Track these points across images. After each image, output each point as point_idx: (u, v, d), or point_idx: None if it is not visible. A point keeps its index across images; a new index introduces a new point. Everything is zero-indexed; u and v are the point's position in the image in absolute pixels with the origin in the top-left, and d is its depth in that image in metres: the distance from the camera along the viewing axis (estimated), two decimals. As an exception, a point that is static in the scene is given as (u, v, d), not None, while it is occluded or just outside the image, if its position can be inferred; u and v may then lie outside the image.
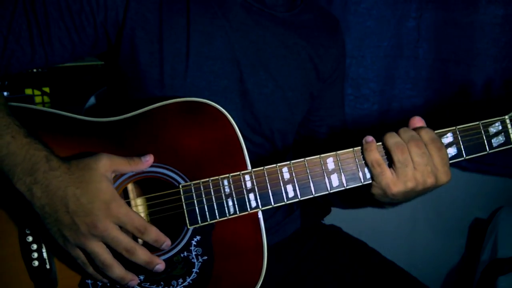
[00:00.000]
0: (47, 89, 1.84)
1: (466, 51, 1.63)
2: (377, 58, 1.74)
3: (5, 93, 1.75)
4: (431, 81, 1.71)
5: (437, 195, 1.86)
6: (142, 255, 0.78)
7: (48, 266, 0.83)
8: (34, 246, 0.83)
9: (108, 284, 0.84)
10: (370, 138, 0.83)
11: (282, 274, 1.10)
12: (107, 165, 0.78)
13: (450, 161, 0.84)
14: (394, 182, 0.82)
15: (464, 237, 1.88)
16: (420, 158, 0.80)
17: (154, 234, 0.79)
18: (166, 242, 0.81)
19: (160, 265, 0.80)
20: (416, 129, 0.83)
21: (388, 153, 0.82)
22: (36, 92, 1.82)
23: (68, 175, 0.75)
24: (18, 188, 0.74)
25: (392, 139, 0.82)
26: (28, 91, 1.80)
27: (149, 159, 0.82)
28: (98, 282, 0.84)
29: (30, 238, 0.84)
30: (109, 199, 0.75)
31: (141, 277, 0.84)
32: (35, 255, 0.83)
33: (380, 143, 0.83)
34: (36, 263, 0.83)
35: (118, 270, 0.78)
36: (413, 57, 1.71)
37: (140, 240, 0.89)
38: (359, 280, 1.05)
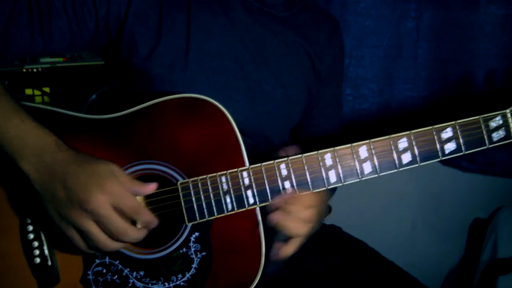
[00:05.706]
0: (47, 89, 1.83)
1: (466, 51, 1.63)
2: (376, 58, 1.74)
3: (5, 93, 1.74)
4: (431, 81, 1.71)
5: (437, 195, 1.87)
6: (134, 236, 0.78)
7: (49, 263, 0.84)
8: (36, 244, 0.84)
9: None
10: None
11: (282, 274, 1.10)
12: (114, 167, 0.78)
13: (449, 156, 0.84)
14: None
15: (464, 237, 1.88)
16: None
17: (147, 215, 0.79)
18: (154, 223, 0.81)
19: None
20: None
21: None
22: (36, 92, 1.81)
23: (73, 156, 0.77)
24: (23, 167, 0.75)
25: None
26: (28, 91, 1.80)
27: (153, 186, 0.81)
28: (99, 278, 0.85)
29: (31, 236, 0.84)
30: (107, 175, 0.75)
31: (141, 273, 0.85)
32: (37, 252, 0.84)
33: None
34: (38, 260, 0.84)
35: (110, 243, 0.77)
36: (412, 57, 1.71)
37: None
38: (359, 281, 1.05)
